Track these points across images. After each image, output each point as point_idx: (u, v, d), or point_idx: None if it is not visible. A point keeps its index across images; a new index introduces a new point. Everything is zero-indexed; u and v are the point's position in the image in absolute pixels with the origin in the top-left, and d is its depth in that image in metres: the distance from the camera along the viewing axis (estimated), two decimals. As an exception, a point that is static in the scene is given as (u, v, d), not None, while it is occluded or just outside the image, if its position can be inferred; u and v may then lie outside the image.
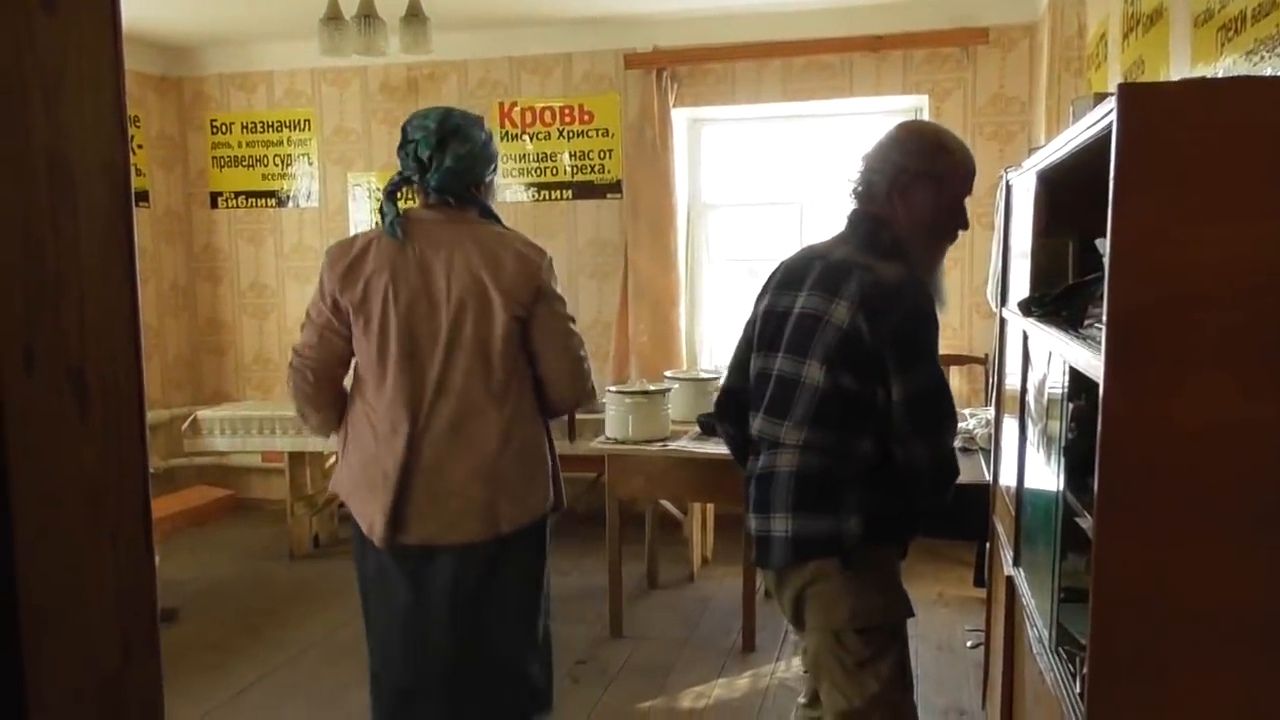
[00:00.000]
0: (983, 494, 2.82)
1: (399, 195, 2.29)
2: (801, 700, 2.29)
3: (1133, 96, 1.26)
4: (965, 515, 2.92)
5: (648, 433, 3.71)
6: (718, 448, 3.64)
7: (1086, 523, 1.39)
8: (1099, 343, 1.37)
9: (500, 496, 2.23)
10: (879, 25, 4.83)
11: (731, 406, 2.18)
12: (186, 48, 5.74)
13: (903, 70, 4.90)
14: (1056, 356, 1.83)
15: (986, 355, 4.61)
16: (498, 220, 2.33)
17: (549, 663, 2.46)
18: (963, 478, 3.17)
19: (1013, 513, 2.27)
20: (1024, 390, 2.25)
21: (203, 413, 5.04)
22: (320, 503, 5.13)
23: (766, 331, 2.07)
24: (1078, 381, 1.67)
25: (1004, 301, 2.66)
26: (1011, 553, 2.27)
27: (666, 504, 4.60)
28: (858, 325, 1.89)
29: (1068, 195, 2.02)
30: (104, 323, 0.74)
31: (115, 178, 0.75)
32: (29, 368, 0.67)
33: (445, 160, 2.23)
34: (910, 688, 2.06)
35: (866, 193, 2.02)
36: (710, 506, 4.65)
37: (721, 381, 2.26)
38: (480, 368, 2.21)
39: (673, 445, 3.68)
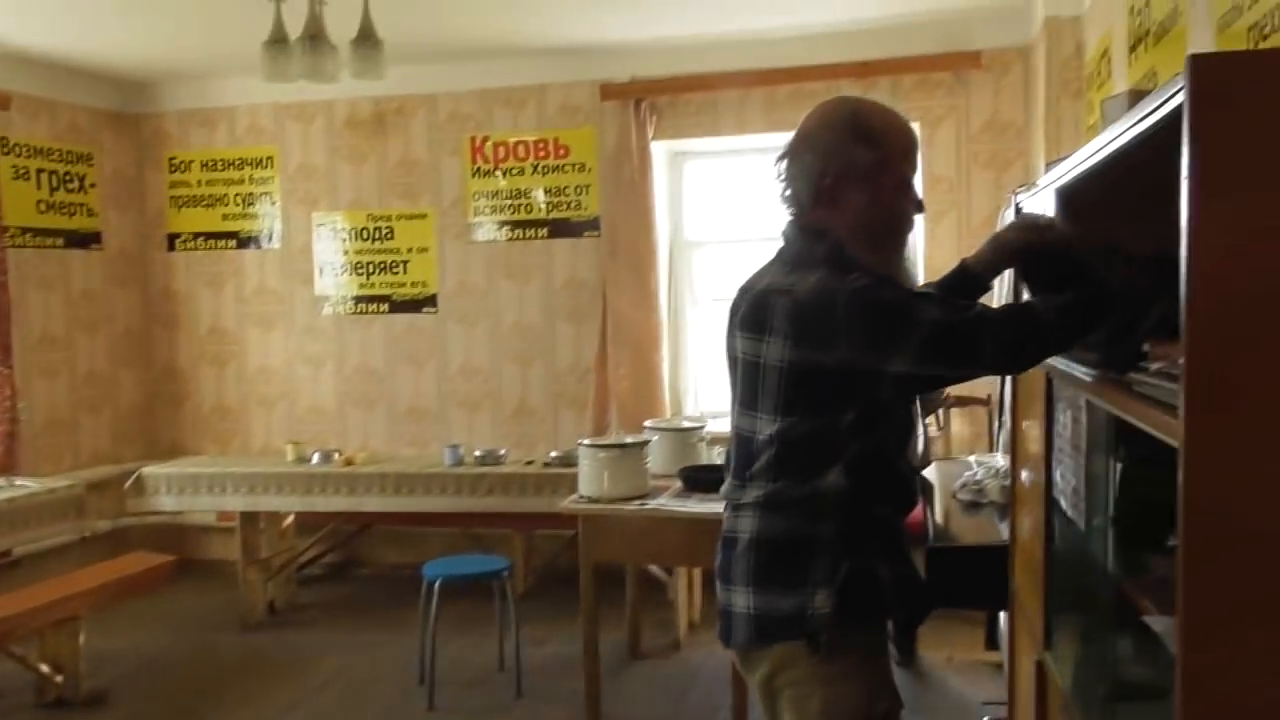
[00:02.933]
0: (1001, 556, 2.48)
1: None
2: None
3: (1210, 67, 0.96)
4: (981, 581, 2.59)
5: (625, 490, 3.37)
6: (703, 505, 3.30)
7: (1160, 625, 1.06)
8: (1168, 390, 1.06)
9: None
10: (866, 51, 4.60)
11: None
12: (144, 83, 5.47)
13: (891, 97, 4.64)
14: (1093, 404, 1.52)
15: (989, 396, 4.30)
16: None
17: None
18: (975, 538, 2.89)
19: (1041, 586, 1.94)
20: (1049, 442, 1.94)
21: (148, 470, 4.68)
22: (276, 566, 4.76)
23: (730, 379, 1.82)
24: (1126, 434, 1.35)
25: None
26: (1041, 633, 1.94)
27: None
28: (805, 357, 1.61)
29: (1090, 215, 1.73)
30: None
31: None
32: None
33: None
34: None
35: (794, 201, 1.73)
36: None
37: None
38: None
39: (652, 503, 3.34)
